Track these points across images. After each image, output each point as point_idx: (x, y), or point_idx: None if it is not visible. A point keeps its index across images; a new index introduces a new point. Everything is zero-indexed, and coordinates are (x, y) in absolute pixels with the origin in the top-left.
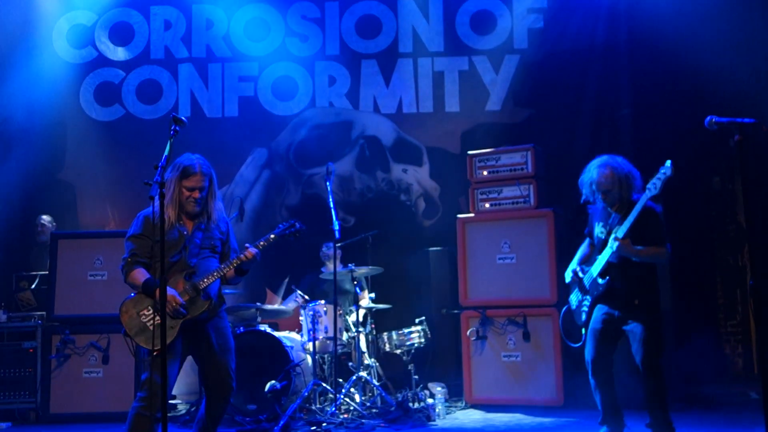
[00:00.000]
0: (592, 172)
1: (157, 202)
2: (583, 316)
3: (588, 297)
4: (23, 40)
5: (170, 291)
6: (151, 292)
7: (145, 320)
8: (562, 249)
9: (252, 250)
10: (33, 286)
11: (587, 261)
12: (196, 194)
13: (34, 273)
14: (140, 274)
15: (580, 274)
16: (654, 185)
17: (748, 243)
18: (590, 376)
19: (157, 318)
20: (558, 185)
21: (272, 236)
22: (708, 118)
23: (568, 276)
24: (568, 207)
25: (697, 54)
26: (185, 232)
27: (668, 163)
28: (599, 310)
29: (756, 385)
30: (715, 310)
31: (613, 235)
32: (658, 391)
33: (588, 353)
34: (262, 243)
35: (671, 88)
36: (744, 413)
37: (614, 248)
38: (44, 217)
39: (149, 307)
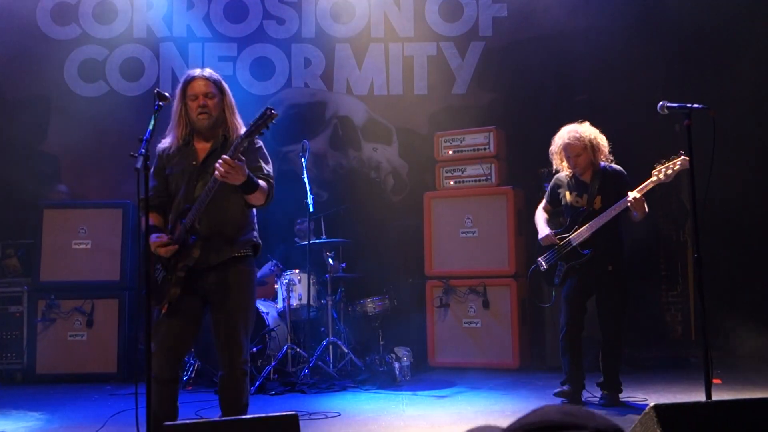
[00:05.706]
0: (564, 137)
1: (142, 176)
2: (556, 280)
3: (563, 263)
4: (8, 17)
5: (153, 237)
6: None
7: (156, 275)
8: (521, 225)
9: (224, 162)
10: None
11: (549, 224)
12: (200, 101)
13: (21, 241)
14: (149, 221)
15: (557, 241)
16: (666, 175)
17: (692, 220)
18: (562, 338)
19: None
20: (518, 165)
21: (252, 130)
22: (660, 103)
23: (542, 236)
24: (527, 185)
25: (648, 42)
26: (194, 162)
27: (685, 158)
28: (573, 274)
29: (693, 350)
30: (657, 281)
31: (631, 195)
32: (615, 350)
33: (564, 316)
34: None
35: (622, 75)
36: (682, 376)
37: (630, 204)
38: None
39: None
